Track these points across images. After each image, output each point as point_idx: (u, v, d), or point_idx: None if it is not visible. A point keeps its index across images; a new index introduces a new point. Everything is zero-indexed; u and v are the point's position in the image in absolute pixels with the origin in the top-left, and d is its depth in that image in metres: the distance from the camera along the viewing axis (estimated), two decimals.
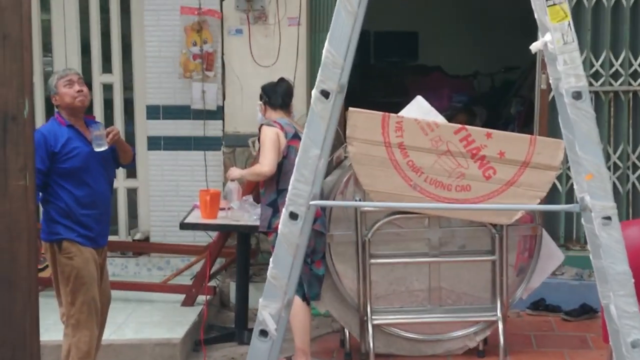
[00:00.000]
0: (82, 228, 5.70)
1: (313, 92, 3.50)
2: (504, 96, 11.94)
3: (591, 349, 6.83)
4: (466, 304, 6.72)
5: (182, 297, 7.41)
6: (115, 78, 8.45)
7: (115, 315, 6.44)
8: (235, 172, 6.70)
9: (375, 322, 6.55)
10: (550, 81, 3.29)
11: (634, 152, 8.04)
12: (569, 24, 3.23)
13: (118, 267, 8.00)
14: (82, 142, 5.76)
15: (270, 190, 6.27)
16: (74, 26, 8.37)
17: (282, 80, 6.62)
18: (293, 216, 3.53)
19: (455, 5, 12.89)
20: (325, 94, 3.46)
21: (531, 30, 6.97)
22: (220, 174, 8.12)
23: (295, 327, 6.24)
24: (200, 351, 6.80)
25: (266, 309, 3.64)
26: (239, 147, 8.05)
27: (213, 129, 8.11)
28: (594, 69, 7.96)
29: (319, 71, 3.51)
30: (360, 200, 6.38)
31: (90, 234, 5.76)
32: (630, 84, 7.99)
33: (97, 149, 5.75)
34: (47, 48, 8.58)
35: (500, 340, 6.51)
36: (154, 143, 8.17)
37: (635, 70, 7.97)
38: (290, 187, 3.55)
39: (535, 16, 3.33)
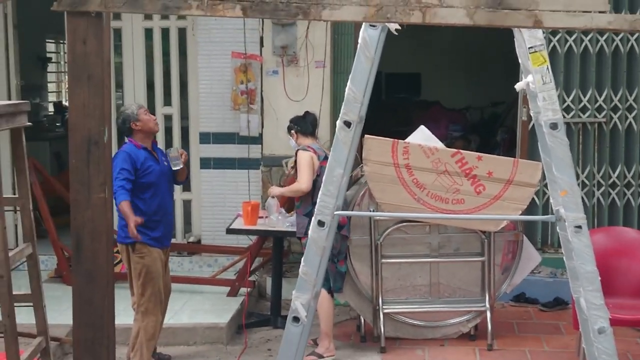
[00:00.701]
0: (152, 232, 5.74)
1: (338, 122, 3.52)
2: (491, 126, 11.91)
3: (563, 335, 6.79)
4: (460, 297, 6.70)
5: (227, 289, 7.41)
6: (174, 110, 8.48)
7: (173, 303, 6.45)
8: (275, 190, 6.66)
9: (386, 310, 6.53)
10: (532, 114, 3.30)
11: (598, 172, 8.00)
12: (548, 68, 3.24)
13: (175, 264, 8.01)
14: (154, 161, 5.81)
15: (306, 203, 6.25)
16: (141, 67, 8.41)
17: (307, 112, 6.60)
18: (321, 224, 3.55)
19: (452, 50, 12.89)
20: (347, 124, 3.48)
21: (514, 71, 7.01)
22: (259, 188, 8.13)
23: (322, 314, 6.23)
24: (242, 333, 6.80)
25: (298, 299, 3.66)
26: (275, 166, 8.06)
27: (254, 151, 8.13)
28: (565, 104, 7.93)
29: (343, 105, 3.53)
30: (374, 210, 6.39)
31: (158, 237, 5.80)
32: (595, 117, 7.95)
33: (175, 168, 5.84)
34: (118, 85, 8.64)
35: (488, 327, 6.48)
36: (205, 163, 8.19)
37: (600, 105, 7.94)
38: (318, 200, 3.57)
39: (520, 61, 3.34)
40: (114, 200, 5.19)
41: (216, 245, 8.11)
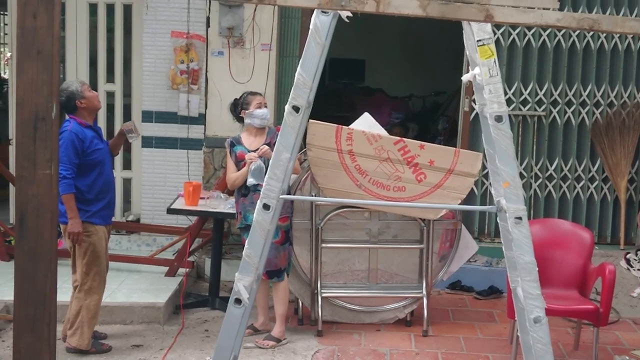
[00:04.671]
0: (98, 210, 5.70)
1: (286, 107, 3.54)
2: (433, 115, 12.03)
3: (497, 323, 6.92)
4: (397, 283, 6.79)
5: (165, 269, 7.38)
6: (117, 87, 8.40)
7: (111, 282, 6.40)
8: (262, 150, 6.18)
9: (324, 294, 6.58)
10: (477, 106, 3.35)
11: (536, 164, 8.16)
12: (495, 61, 3.30)
13: (113, 243, 7.94)
14: (99, 140, 5.77)
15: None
16: (84, 42, 8.31)
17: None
18: (266, 207, 3.57)
19: (397, 39, 12.98)
20: (296, 108, 3.50)
21: (457, 62, 7.11)
22: (201, 169, 8.11)
23: (283, 298, 6.32)
24: (179, 314, 6.79)
25: (241, 281, 3.68)
26: (217, 148, 8.04)
27: (195, 132, 8.10)
28: (507, 97, 8.06)
29: (292, 90, 3.55)
30: (315, 195, 6.43)
31: (104, 214, 5.77)
32: (535, 110, 8.11)
33: (132, 140, 5.83)
34: (60, 60, 8.51)
35: (424, 313, 6.58)
36: (147, 142, 8.13)
37: (540, 99, 8.10)
38: (264, 184, 3.59)
39: (467, 53, 3.39)
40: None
41: (155, 224, 8.07)
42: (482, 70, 3.26)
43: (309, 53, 3.49)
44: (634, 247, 8.09)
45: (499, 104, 3.20)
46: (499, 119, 3.19)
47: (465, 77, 3.51)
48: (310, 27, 3.53)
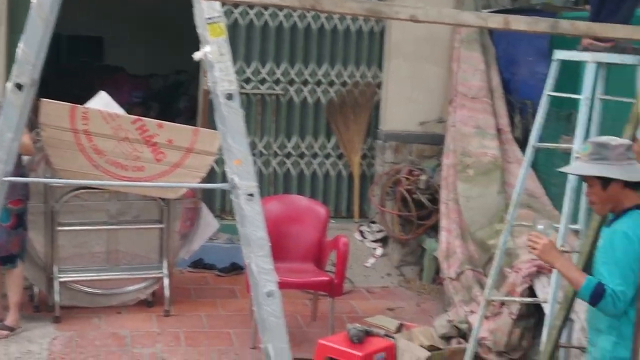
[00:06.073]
0: None
1: (8, 84, 3.35)
2: (174, 94, 11.94)
3: (238, 298, 7.00)
4: (139, 264, 6.70)
5: None
6: None
7: None
8: None
9: (61, 279, 6.35)
10: (209, 84, 3.34)
11: (275, 142, 8.32)
12: (225, 39, 3.29)
13: None
14: None
15: None
16: None
17: None
18: None
19: (138, 15, 12.72)
20: (19, 86, 3.32)
21: (198, 41, 7.06)
22: None
23: (16, 285, 6.02)
24: None
25: None
26: None
27: None
28: (245, 75, 8.15)
29: (14, 67, 3.36)
30: (49, 177, 6.17)
31: None
32: (274, 89, 8.26)
33: None
34: None
35: (166, 293, 6.54)
36: None
37: (278, 78, 8.26)
38: None
39: (198, 30, 3.36)
40: None
41: None
42: (212, 49, 3.23)
43: (32, 28, 3.31)
44: (367, 220, 8.47)
45: (230, 82, 3.19)
46: (229, 97, 3.18)
47: (196, 55, 3.47)
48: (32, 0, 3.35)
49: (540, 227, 3.77)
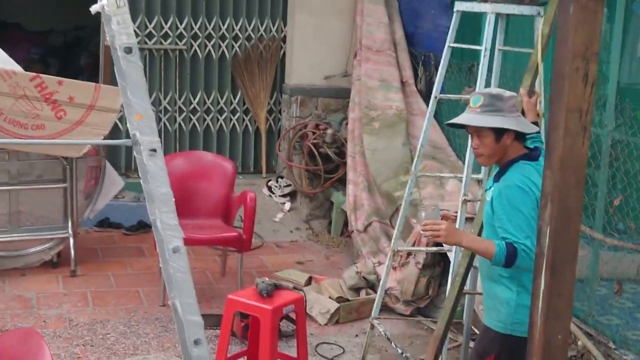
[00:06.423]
0: None
1: None
2: (74, 50, 11.65)
3: (146, 257, 6.93)
4: (43, 225, 6.56)
5: None
6: None
7: None
8: None
9: None
10: (108, 38, 3.27)
11: (180, 98, 8.22)
12: None
13: None
14: None
15: None
16: None
17: None
18: None
19: None
20: None
21: None
22: None
23: None
24: None
25: None
26: None
27: None
28: (147, 30, 8.01)
29: None
30: None
31: None
32: (177, 44, 8.13)
33: None
34: None
35: (71, 253, 6.43)
36: None
37: (181, 33, 8.13)
38: None
39: None
40: None
41: None
42: (109, 1, 3.16)
43: None
44: (275, 175, 8.47)
45: (128, 35, 3.13)
46: (128, 50, 3.12)
47: (93, 8, 3.38)
48: None
49: (424, 215, 3.69)
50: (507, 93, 3.58)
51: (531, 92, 4.13)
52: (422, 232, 3.65)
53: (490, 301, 3.70)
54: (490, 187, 3.63)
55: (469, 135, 3.69)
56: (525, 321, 3.43)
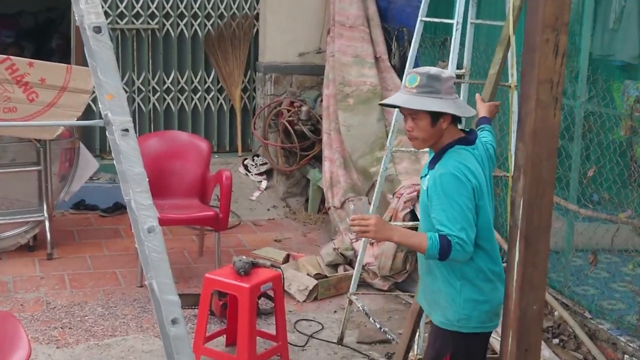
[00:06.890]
0: None
1: None
2: (46, 32, 11.52)
3: (123, 238, 6.91)
4: (17, 208, 6.51)
5: None
6: None
7: None
8: None
9: None
10: (77, 18, 3.23)
11: (153, 78, 8.17)
12: None
13: None
14: None
15: None
16: None
17: None
18: None
19: None
20: None
21: None
22: None
23: None
24: None
25: None
26: None
27: None
28: (119, 10, 7.94)
29: None
30: None
31: None
32: (149, 23, 8.07)
33: None
34: None
35: (47, 236, 6.39)
36: None
37: (153, 12, 8.07)
38: None
39: None
40: None
41: None
42: None
43: None
44: (251, 153, 8.45)
45: (97, 14, 3.09)
46: (97, 30, 3.09)
47: None
48: None
49: (352, 207, 3.38)
50: (446, 73, 3.34)
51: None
52: (350, 227, 3.33)
53: (433, 297, 3.47)
54: (426, 175, 3.39)
55: (403, 117, 3.41)
56: (472, 316, 3.32)
